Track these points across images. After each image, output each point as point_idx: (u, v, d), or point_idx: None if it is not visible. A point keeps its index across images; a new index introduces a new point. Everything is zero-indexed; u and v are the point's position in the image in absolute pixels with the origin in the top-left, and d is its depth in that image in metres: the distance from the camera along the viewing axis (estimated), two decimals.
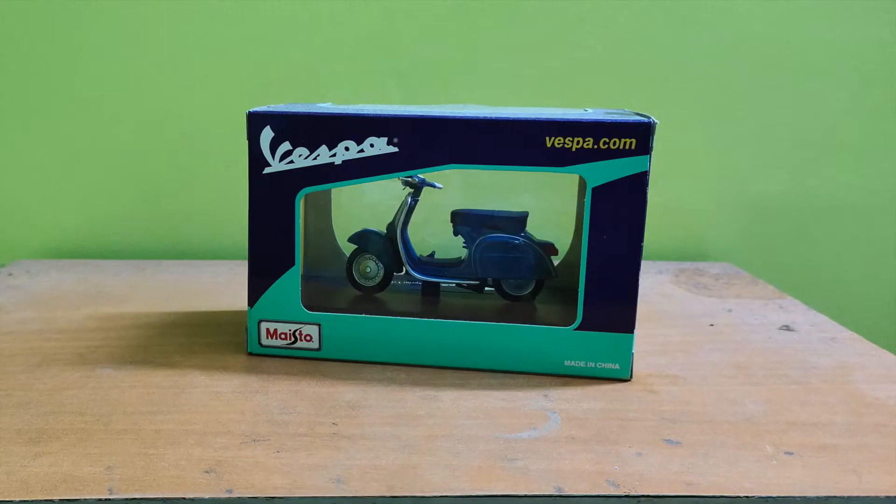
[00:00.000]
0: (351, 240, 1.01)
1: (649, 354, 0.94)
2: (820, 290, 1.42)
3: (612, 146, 0.81)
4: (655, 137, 0.81)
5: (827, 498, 0.65)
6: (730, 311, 1.11)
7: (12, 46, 1.29)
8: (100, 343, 0.95)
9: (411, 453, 0.70)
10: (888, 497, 0.65)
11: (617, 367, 0.86)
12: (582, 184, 0.91)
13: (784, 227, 1.42)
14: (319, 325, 0.90)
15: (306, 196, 0.88)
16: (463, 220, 0.99)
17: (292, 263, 0.88)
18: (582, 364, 0.87)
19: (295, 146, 0.85)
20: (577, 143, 0.81)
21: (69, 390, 0.82)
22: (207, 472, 0.67)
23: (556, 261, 0.99)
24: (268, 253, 0.89)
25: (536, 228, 0.98)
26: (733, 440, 0.74)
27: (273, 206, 0.87)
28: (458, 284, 1.01)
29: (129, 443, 0.71)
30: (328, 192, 1.05)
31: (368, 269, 1.00)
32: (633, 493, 0.65)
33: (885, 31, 1.33)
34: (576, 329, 0.86)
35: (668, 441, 0.73)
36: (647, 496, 0.65)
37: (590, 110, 0.94)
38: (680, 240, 1.42)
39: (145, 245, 1.39)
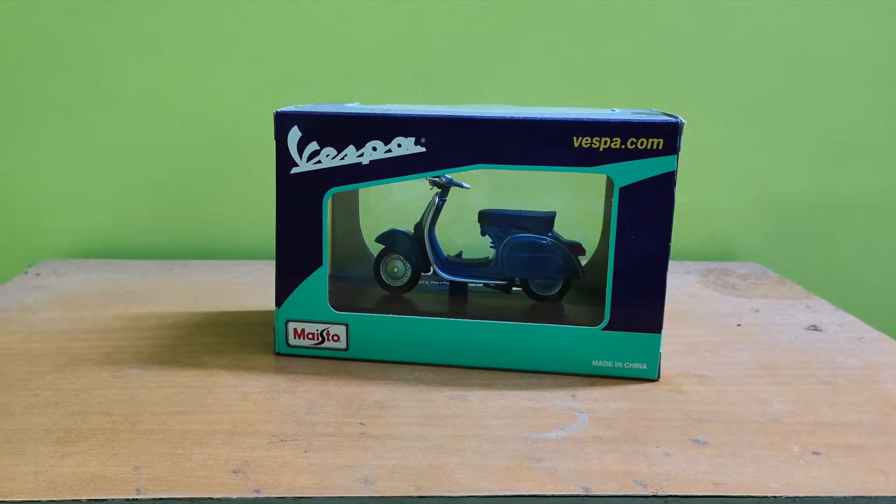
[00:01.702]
0: (378, 240, 1.01)
1: (677, 354, 0.94)
2: (847, 290, 1.41)
3: (639, 146, 0.81)
4: (683, 137, 0.80)
5: (854, 498, 0.65)
6: (757, 311, 1.10)
7: (42, 47, 1.30)
8: (127, 343, 0.96)
9: (439, 453, 0.70)
10: None
11: (644, 367, 0.86)
12: (609, 184, 0.91)
13: (811, 227, 1.41)
14: (347, 325, 0.90)
15: (334, 196, 0.88)
16: (490, 220, 0.99)
17: (320, 263, 0.88)
18: (609, 364, 0.87)
19: (322, 146, 0.85)
20: (605, 143, 0.81)
21: (97, 390, 0.82)
22: (235, 472, 0.67)
23: (583, 261, 0.99)
24: (295, 253, 0.89)
25: (564, 228, 0.98)
26: (761, 440, 0.74)
27: (300, 206, 0.87)
28: (485, 284, 1.01)
29: (157, 443, 0.72)
30: (356, 192, 1.05)
31: (396, 269, 1.00)
32: (660, 493, 0.65)
33: None
34: (603, 329, 0.86)
35: (696, 441, 0.73)
36: (675, 496, 0.65)
37: (617, 110, 0.94)
38: (707, 240, 1.42)
39: (173, 245, 1.39)
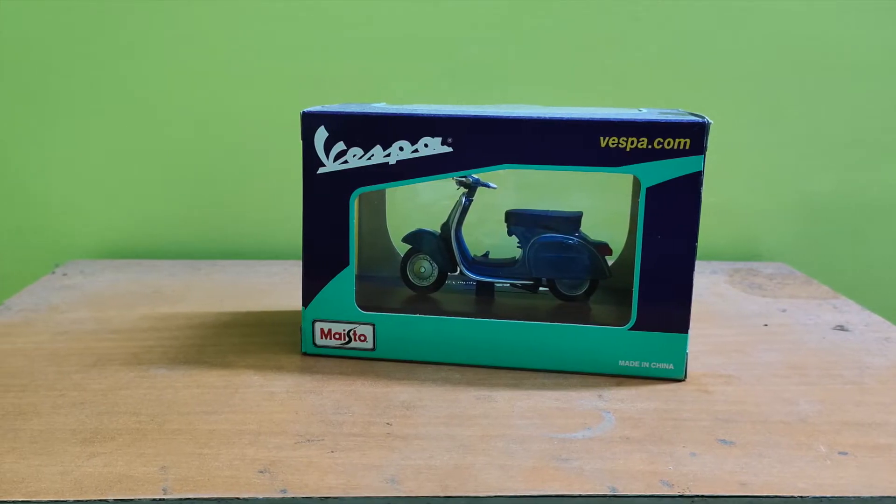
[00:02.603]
0: (405, 240, 1.01)
1: (703, 354, 0.93)
2: (874, 290, 1.41)
3: (666, 146, 0.81)
4: (709, 137, 0.80)
5: (881, 498, 0.65)
6: (784, 311, 1.10)
7: (68, 49, 1.30)
8: (154, 343, 0.96)
9: (465, 453, 0.70)
10: None
11: (671, 367, 0.86)
12: (636, 184, 0.91)
13: (838, 226, 1.41)
14: (374, 325, 0.90)
15: (360, 196, 0.88)
16: (517, 220, 0.99)
17: (346, 263, 0.88)
18: (636, 364, 0.86)
19: (349, 146, 0.85)
20: (632, 143, 0.81)
21: (123, 390, 0.83)
22: (262, 472, 0.67)
23: (610, 261, 0.99)
24: (322, 253, 0.89)
25: (591, 228, 0.98)
26: (787, 440, 0.74)
27: (327, 206, 0.87)
28: (512, 284, 1.00)
29: (184, 443, 0.72)
30: (382, 192, 1.05)
31: (423, 269, 1.00)
32: (687, 493, 0.64)
33: None
34: (630, 329, 0.86)
35: (723, 441, 0.73)
36: (702, 496, 0.64)
37: (644, 110, 0.94)
38: (734, 240, 1.41)
39: (200, 245, 1.39)
